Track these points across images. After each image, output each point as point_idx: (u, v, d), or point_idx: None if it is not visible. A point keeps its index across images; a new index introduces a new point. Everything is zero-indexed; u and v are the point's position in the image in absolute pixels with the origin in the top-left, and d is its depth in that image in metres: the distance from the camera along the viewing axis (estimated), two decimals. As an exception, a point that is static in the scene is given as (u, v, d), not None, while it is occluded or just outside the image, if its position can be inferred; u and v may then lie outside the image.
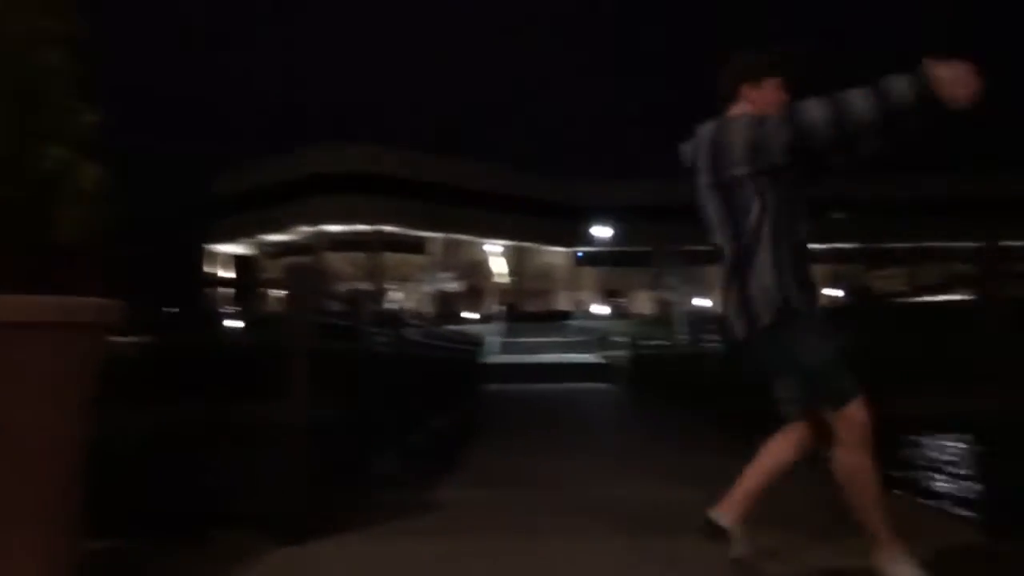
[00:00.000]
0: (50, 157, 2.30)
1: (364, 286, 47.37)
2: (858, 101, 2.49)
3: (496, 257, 60.85)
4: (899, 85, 2.45)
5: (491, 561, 3.31)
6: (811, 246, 2.79)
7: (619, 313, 55.85)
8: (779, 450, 2.93)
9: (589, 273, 62.13)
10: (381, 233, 55.56)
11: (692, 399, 10.89)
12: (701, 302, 57.36)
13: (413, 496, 4.84)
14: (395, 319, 6.79)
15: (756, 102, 2.87)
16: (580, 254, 63.71)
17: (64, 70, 2.36)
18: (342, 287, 35.68)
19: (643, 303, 62.31)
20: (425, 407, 8.31)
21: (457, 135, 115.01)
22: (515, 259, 62.59)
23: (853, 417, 2.68)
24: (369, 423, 5.14)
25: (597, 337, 36.19)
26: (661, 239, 59.82)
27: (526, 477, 5.87)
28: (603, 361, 29.28)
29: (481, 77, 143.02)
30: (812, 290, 2.74)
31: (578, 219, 60.67)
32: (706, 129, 2.86)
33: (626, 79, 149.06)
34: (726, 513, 2.88)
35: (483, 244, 60.34)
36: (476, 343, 17.63)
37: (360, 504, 4.45)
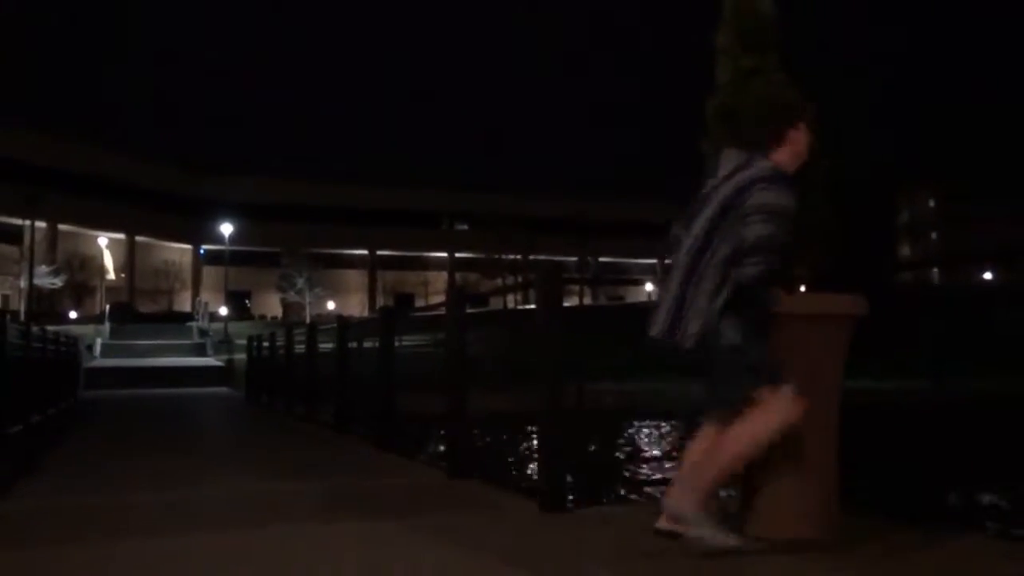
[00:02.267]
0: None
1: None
2: None
3: (106, 252, 55.64)
4: None
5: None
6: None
7: (243, 314, 54.08)
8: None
9: (213, 272, 59.25)
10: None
11: (307, 401, 10.98)
12: (330, 305, 57.61)
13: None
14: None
15: (795, 144, 3.10)
16: (203, 251, 60.61)
17: None
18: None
19: (269, 304, 60.98)
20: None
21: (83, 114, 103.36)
22: (130, 254, 57.80)
23: None
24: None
25: (217, 340, 34.72)
26: (291, 240, 59.14)
27: (100, 483, 5.54)
28: (221, 364, 28.21)
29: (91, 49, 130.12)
30: None
31: (203, 215, 57.76)
32: (759, 166, 2.98)
33: (255, 78, 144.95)
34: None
35: (96, 237, 54.86)
36: (72, 345, 16.06)
37: None
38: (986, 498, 8.08)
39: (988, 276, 51.20)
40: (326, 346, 10.29)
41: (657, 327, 3.01)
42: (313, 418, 10.36)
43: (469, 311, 5.88)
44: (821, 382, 3.24)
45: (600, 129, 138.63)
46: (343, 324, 9.39)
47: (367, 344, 8.22)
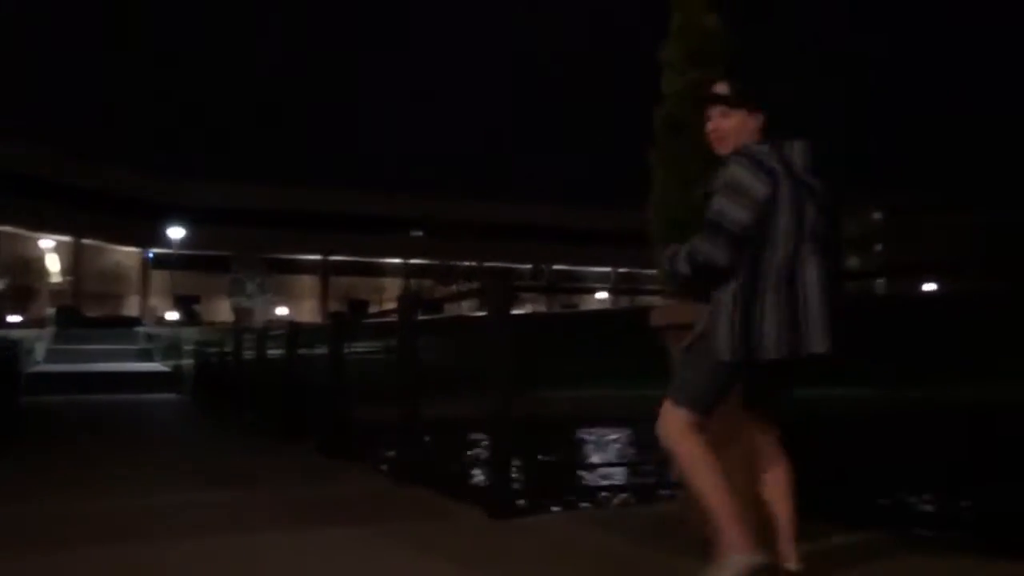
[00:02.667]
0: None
1: None
2: None
3: (51, 254, 54.36)
4: None
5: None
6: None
7: (192, 319, 53.22)
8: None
9: (162, 276, 58.25)
10: None
11: (256, 407, 10.86)
12: (282, 311, 56.99)
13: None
14: None
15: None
16: (151, 255, 59.53)
17: None
18: None
19: (219, 310, 60.11)
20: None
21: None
22: (76, 257, 56.53)
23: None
24: None
25: (166, 345, 34.15)
26: (242, 244, 58.37)
27: (44, 491, 5.42)
28: (169, 370, 27.77)
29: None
30: None
31: (151, 217, 56.72)
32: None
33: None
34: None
35: (38, 239, 53.56)
36: (10, 349, 15.68)
37: None
38: (926, 503, 8.27)
39: (931, 287, 52.32)
40: (276, 352, 10.20)
41: (819, 342, 2.58)
42: (263, 425, 10.24)
43: (421, 317, 5.88)
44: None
45: (552, 138, 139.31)
46: (293, 330, 9.32)
47: (318, 350, 8.17)
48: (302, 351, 8.81)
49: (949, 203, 56.57)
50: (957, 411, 13.84)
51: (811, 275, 2.59)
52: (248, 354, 11.80)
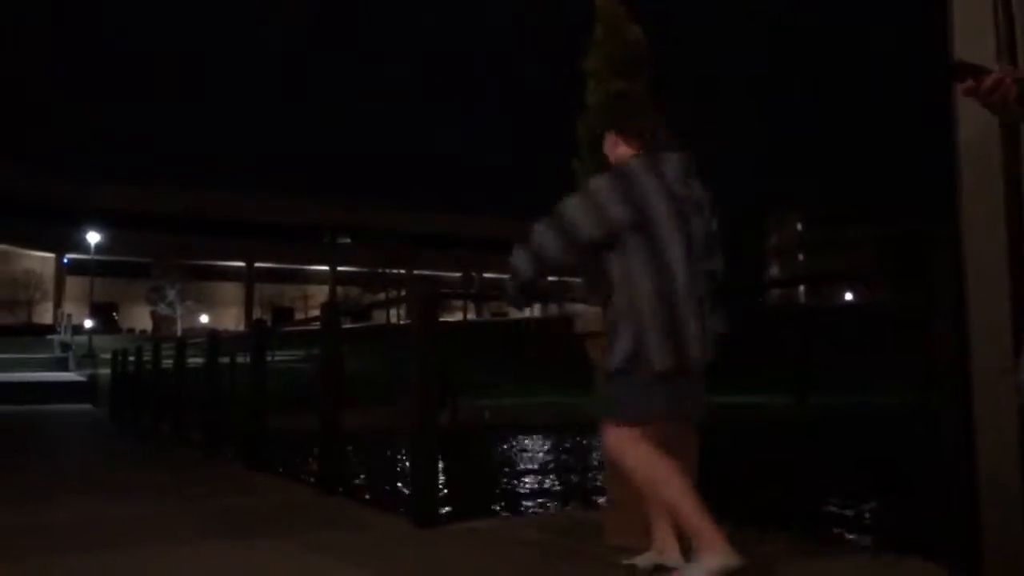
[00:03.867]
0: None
1: None
2: None
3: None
4: None
5: None
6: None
7: (110, 327, 51.59)
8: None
9: (78, 282, 56.20)
10: None
11: (175, 418, 10.60)
12: (204, 319, 55.67)
13: None
14: None
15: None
16: (67, 261, 57.47)
17: None
18: None
19: (138, 317, 58.40)
20: None
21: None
22: (-16, 263, 54.20)
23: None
24: None
25: (81, 354, 33.05)
26: (162, 250, 56.80)
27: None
28: (84, 380, 26.86)
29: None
30: None
31: (67, 222, 54.74)
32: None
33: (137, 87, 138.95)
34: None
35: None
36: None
37: None
38: (842, 509, 8.49)
39: (849, 296, 54.07)
40: (196, 361, 9.97)
41: (703, 350, 2.68)
42: (181, 436, 10.01)
43: (346, 326, 5.81)
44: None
45: (482, 146, 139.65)
46: (213, 339, 9.12)
47: (239, 359, 8.00)
48: (224, 360, 8.61)
49: (868, 214, 58.43)
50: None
51: (701, 286, 2.68)
52: (168, 363, 11.50)
